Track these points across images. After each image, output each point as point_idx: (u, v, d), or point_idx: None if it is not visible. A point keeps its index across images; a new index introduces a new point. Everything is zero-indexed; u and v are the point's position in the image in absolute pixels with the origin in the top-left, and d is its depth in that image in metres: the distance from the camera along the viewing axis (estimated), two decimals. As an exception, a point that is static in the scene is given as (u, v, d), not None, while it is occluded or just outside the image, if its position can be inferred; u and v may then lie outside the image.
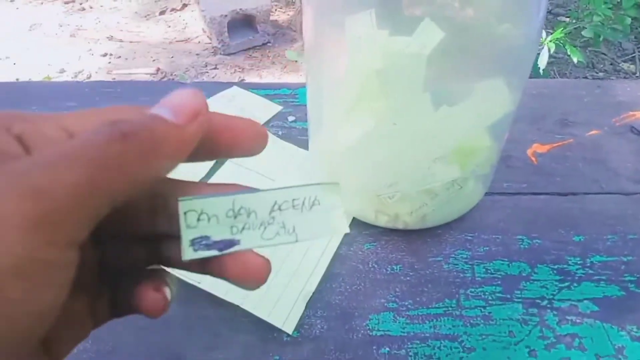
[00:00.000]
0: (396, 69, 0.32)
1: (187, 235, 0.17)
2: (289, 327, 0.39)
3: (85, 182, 0.13)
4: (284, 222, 0.18)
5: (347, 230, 0.19)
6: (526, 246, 0.44)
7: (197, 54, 2.04)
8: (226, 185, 0.19)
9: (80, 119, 0.16)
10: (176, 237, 0.18)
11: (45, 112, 0.17)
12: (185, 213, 0.17)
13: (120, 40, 2.15)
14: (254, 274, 0.18)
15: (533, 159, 0.52)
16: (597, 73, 1.69)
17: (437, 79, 0.33)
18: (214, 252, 0.17)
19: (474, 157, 0.37)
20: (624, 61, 1.74)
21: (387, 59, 0.32)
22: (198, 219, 0.17)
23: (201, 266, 0.18)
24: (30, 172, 0.13)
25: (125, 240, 0.20)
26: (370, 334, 0.39)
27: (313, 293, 0.41)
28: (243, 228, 0.18)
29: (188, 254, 0.17)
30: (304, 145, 0.52)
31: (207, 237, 0.17)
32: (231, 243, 0.17)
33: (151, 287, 0.18)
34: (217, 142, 0.18)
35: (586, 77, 1.68)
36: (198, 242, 0.17)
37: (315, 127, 0.43)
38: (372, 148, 0.37)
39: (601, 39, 1.46)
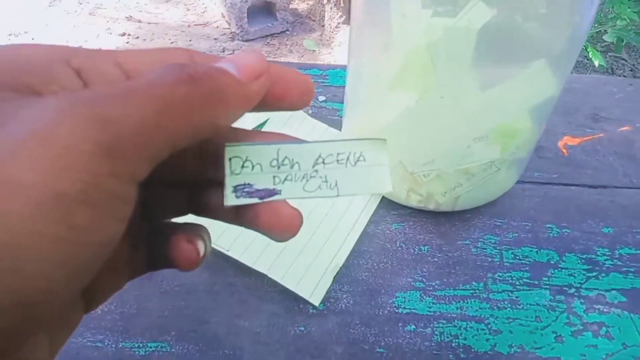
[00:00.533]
0: (446, 42, 0.32)
1: (230, 182, 0.17)
2: (315, 299, 0.39)
3: (152, 119, 0.13)
4: (326, 175, 0.18)
5: (391, 188, 0.18)
6: (555, 235, 0.44)
7: (215, 39, 2.04)
8: (274, 134, 0.19)
9: (136, 57, 0.16)
10: (217, 184, 0.18)
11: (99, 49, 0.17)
12: (230, 159, 0.17)
13: (139, 21, 2.15)
14: (286, 225, 0.18)
15: (564, 150, 0.52)
16: (616, 77, 1.67)
17: (485, 58, 0.33)
18: (254, 200, 0.17)
19: (514, 139, 0.37)
20: (645, 68, 1.73)
21: (435, 33, 0.32)
22: (242, 166, 0.17)
23: (235, 215, 0.18)
24: (99, 102, 0.12)
25: (167, 185, 0.20)
26: (397, 311, 0.39)
27: (340, 267, 0.41)
28: (285, 179, 0.18)
29: (230, 200, 0.17)
30: (335, 124, 0.52)
31: (249, 185, 0.17)
32: (272, 192, 0.17)
33: (185, 239, 0.18)
34: (269, 92, 0.17)
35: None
36: (241, 189, 0.17)
37: (352, 106, 0.43)
38: (412, 125, 0.37)
39: (624, 43, 1.44)
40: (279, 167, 0.17)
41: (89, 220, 0.12)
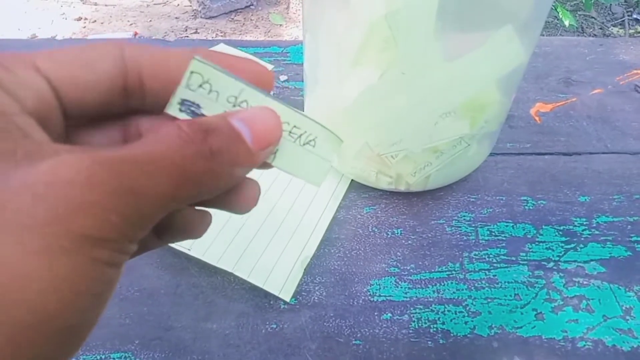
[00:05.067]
0: (406, 12, 0.29)
1: (181, 93, 0.16)
2: (286, 295, 0.37)
3: (170, 193, 0.14)
4: None
5: (319, 185, 0.18)
6: (531, 207, 0.43)
7: (177, 17, 1.96)
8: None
9: (59, 60, 0.15)
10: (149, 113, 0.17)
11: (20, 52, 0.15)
12: (192, 72, 0.16)
13: (95, 4, 2.04)
14: (250, 200, 0.18)
15: (536, 118, 0.50)
16: (586, 37, 1.67)
17: (448, 26, 0.30)
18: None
19: (483, 113, 0.35)
20: (613, 25, 1.72)
21: (395, 2, 0.29)
22: (200, 85, 0.16)
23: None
24: (125, 170, 0.13)
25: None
26: (372, 299, 0.37)
27: (311, 258, 0.39)
28: None
29: (173, 109, 0.16)
30: (298, 105, 0.49)
31: (197, 106, 0.16)
32: None
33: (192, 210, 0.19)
34: None
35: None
36: (188, 106, 0.16)
37: (312, 85, 0.40)
38: (376, 103, 0.35)
39: (592, 1, 1.43)
40: (234, 106, 0.16)
41: (113, 275, 0.13)
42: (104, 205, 0.12)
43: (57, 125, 0.15)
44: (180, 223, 0.18)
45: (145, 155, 0.13)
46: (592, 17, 1.76)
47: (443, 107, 0.33)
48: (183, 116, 0.16)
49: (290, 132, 0.17)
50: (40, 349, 0.12)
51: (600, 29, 1.72)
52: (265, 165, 0.17)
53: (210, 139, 0.14)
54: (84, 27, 1.92)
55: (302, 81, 0.53)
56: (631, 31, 1.71)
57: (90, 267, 0.12)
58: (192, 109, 0.16)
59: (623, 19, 1.76)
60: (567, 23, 1.32)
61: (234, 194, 0.17)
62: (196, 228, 0.18)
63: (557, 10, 1.32)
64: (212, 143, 0.14)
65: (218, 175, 0.15)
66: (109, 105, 0.16)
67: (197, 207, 0.18)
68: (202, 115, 0.16)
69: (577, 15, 1.71)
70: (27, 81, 0.14)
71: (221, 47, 0.57)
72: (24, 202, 0.11)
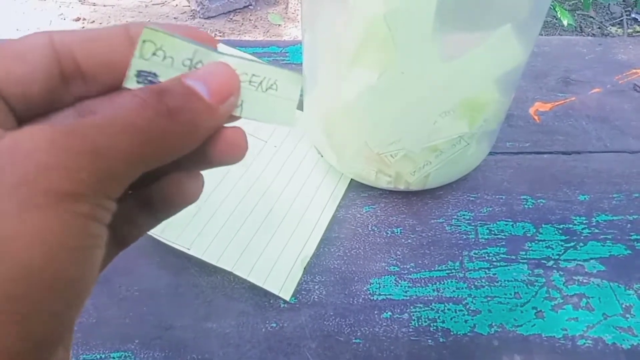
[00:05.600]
0: (404, 12, 0.29)
1: (136, 65, 0.16)
2: (286, 294, 0.37)
3: (137, 151, 0.14)
4: None
5: (293, 123, 0.18)
6: (530, 206, 0.43)
7: (175, 18, 1.95)
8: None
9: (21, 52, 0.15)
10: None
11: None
12: (144, 41, 0.16)
13: (94, 4, 2.04)
14: (235, 147, 0.17)
15: (536, 117, 0.50)
16: (585, 37, 1.67)
17: (447, 26, 0.30)
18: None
19: (482, 112, 0.35)
20: (612, 25, 1.73)
21: (393, 2, 0.29)
22: (154, 53, 0.16)
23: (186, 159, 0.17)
24: (89, 133, 0.13)
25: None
26: (372, 298, 0.37)
27: (311, 257, 0.39)
28: None
29: (131, 82, 0.16)
30: (298, 105, 0.49)
31: (154, 75, 0.16)
32: None
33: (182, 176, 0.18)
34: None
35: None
36: (144, 76, 0.16)
37: (311, 85, 0.40)
38: (375, 103, 0.35)
39: (591, 1, 1.43)
40: (190, 68, 0.17)
41: (98, 229, 0.14)
42: (71, 165, 0.13)
43: (7, 121, 0.15)
44: (173, 191, 0.18)
45: (105, 120, 0.14)
46: (591, 17, 1.76)
47: (442, 107, 0.33)
48: (139, 87, 0.16)
49: (250, 81, 0.17)
50: (38, 302, 0.12)
51: (599, 28, 1.73)
52: (233, 118, 0.17)
53: (165, 99, 0.15)
54: (83, 27, 1.92)
55: (302, 81, 0.53)
56: (630, 30, 1.72)
57: (73, 220, 0.13)
58: (150, 78, 0.16)
59: (622, 18, 1.76)
60: (565, 23, 1.32)
61: (212, 146, 0.17)
62: (189, 192, 0.18)
63: (556, 9, 1.32)
64: (167, 102, 0.15)
65: (182, 133, 0.15)
66: (53, 94, 0.16)
67: (186, 171, 0.18)
68: (160, 83, 0.16)
69: (575, 14, 1.72)
70: None
71: (220, 48, 0.57)
72: None
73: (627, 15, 1.76)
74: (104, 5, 2.04)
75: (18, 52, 0.16)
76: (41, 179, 0.12)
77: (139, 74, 0.16)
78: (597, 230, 0.41)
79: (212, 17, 1.94)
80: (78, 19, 1.96)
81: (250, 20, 1.94)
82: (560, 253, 0.40)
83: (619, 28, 1.71)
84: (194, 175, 0.18)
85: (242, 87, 0.17)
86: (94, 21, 1.95)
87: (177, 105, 0.15)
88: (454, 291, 0.37)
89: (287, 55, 0.57)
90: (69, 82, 0.17)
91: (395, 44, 0.31)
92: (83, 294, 0.14)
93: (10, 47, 0.16)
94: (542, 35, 1.68)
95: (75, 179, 0.13)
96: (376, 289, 0.38)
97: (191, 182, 0.18)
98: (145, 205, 0.18)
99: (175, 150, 0.15)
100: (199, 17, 1.93)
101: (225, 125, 0.17)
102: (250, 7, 1.99)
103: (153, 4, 2.04)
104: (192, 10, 1.97)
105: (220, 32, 1.88)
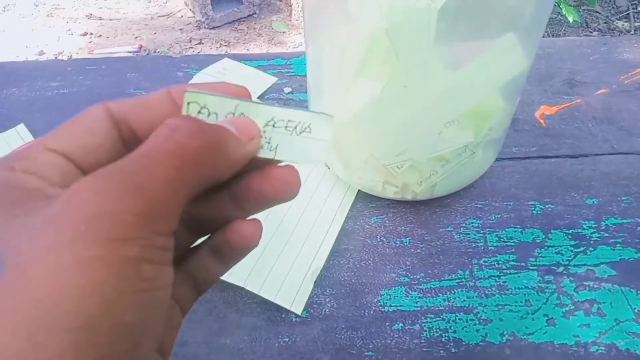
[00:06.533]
0: (406, 25, 0.29)
1: None
2: (297, 308, 0.37)
3: (175, 177, 0.15)
4: (271, 138, 0.19)
5: (325, 162, 0.20)
6: (539, 211, 0.43)
7: (181, 29, 1.97)
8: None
9: (60, 134, 0.17)
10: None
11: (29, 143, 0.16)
12: (188, 103, 0.18)
13: (100, 18, 2.07)
14: (287, 184, 0.19)
15: (542, 121, 0.50)
16: (591, 32, 1.65)
17: (449, 36, 0.31)
18: None
19: (487, 120, 0.35)
20: (618, 19, 1.71)
21: (394, 15, 0.30)
22: (199, 112, 0.18)
23: (237, 201, 0.19)
24: (127, 172, 0.14)
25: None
26: (383, 310, 0.37)
27: (321, 270, 0.39)
28: None
29: None
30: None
31: None
32: None
33: (240, 222, 0.19)
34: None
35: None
36: None
37: (316, 97, 0.41)
38: (380, 115, 0.35)
39: (596, -4, 1.42)
40: None
41: (152, 271, 0.14)
42: (116, 210, 0.13)
43: None
44: (234, 237, 0.19)
45: (139, 155, 0.15)
46: (597, 12, 1.74)
47: (446, 116, 0.34)
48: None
49: (286, 127, 0.19)
50: (104, 347, 0.13)
51: (605, 23, 1.71)
52: (274, 161, 0.19)
53: (197, 121, 0.16)
54: (90, 42, 1.94)
55: (306, 92, 0.53)
56: (637, 24, 1.70)
57: (123, 265, 0.13)
58: None
59: (628, 12, 1.74)
60: (571, 19, 1.32)
61: (267, 184, 0.18)
62: (248, 237, 0.19)
63: (561, 6, 1.32)
64: (199, 123, 0.16)
65: (214, 153, 0.16)
66: (117, 157, 0.18)
67: (248, 218, 0.19)
68: None
69: (580, 10, 1.70)
70: (46, 162, 0.16)
71: (225, 62, 0.57)
72: (51, 233, 0.13)
73: (633, 8, 1.75)
74: (110, 19, 2.07)
75: (86, 126, 0.17)
76: (90, 230, 0.13)
77: None
78: (606, 234, 0.41)
79: (216, 27, 1.96)
80: (85, 34, 1.99)
81: (254, 28, 1.95)
82: (570, 258, 0.40)
83: (626, 22, 1.70)
84: (252, 221, 0.19)
85: (278, 133, 0.19)
86: (100, 35, 1.98)
87: (208, 127, 0.16)
88: (464, 300, 0.38)
89: (292, 67, 0.58)
90: (128, 145, 0.18)
91: (398, 56, 0.31)
92: (150, 333, 0.15)
93: (77, 123, 0.17)
94: (547, 33, 1.68)
95: (121, 223, 0.13)
96: (387, 300, 0.38)
97: (249, 227, 0.19)
98: (215, 253, 0.19)
99: (211, 171, 0.16)
100: (204, 28, 1.95)
101: (279, 164, 0.19)
102: (254, 15, 2.00)
103: (159, 16, 2.06)
104: (197, 21, 1.99)
105: (225, 42, 1.90)
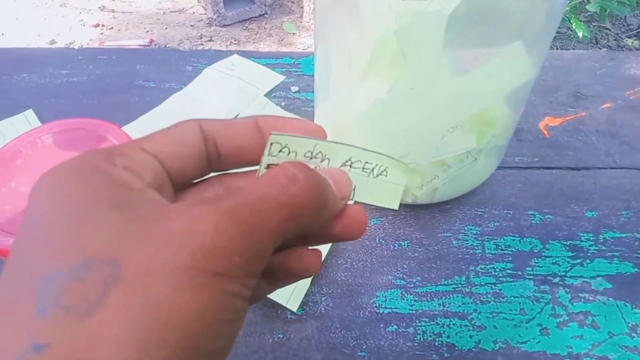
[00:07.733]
0: (415, 28, 0.30)
1: (266, 160, 0.19)
2: (293, 305, 0.37)
3: (279, 226, 0.16)
4: None
5: (397, 207, 0.21)
6: (538, 221, 0.43)
7: (192, 25, 1.99)
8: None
9: (156, 139, 0.18)
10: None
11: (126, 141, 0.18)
12: (271, 144, 0.19)
13: (113, 11, 2.09)
14: (358, 223, 0.20)
15: (545, 132, 0.50)
16: (600, 49, 1.66)
17: (457, 42, 0.31)
18: None
19: (490, 127, 0.35)
20: (628, 37, 1.71)
21: (404, 18, 0.30)
22: (280, 150, 0.19)
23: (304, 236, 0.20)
24: (242, 212, 0.15)
25: None
26: (378, 311, 0.38)
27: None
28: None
29: (261, 174, 0.19)
30: (309, 116, 0.50)
31: None
32: None
33: (303, 252, 0.21)
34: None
35: (589, 53, 1.65)
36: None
37: (323, 97, 0.41)
38: (384, 116, 0.35)
39: (607, 12, 1.42)
40: (311, 159, 0.19)
41: (241, 305, 0.16)
42: (228, 249, 0.15)
43: (168, 191, 0.19)
44: (296, 264, 0.20)
45: (257, 199, 0.16)
46: (607, 29, 1.74)
47: (450, 121, 0.34)
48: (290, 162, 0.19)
49: (363, 168, 0.20)
50: None
51: (615, 40, 1.71)
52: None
53: (312, 175, 0.17)
54: (102, 33, 1.96)
55: (313, 92, 0.53)
56: (646, 42, 1.70)
57: (224, 298, 0.15)
58: None
59: (638, 30, 1.74)
60: (580, 34, 1.32)
61: (337, 222, 0.19)
62: (309, 265, 0.20)
63: (571, 21, 1.32)
64: (313, 178, 0.17)
65: (316, 209, 0.17)
66: (200, 170, 0.20)
67: (309, 247, 0.20)
68: None
69: (591, 26, 1.71)
70: (142, 161, 0.18)
71: (234, 59, 0.58)
72: (170, 252, 0.14)
73: (644, 26, 1.75)
74: (123, 12, 2.08)
75: (180, 136, 0.19)
76: (204, 261, 0.14)
77: (268, 167, 0.19)
78: (604, 248, 0.41)
79: (227, 25, 1.97)
80: (97, 25, 2.01)
81: (265, 28, 1.96)
82: (567, 270, 0.40)
83: (636, 40, 1.70)
84: (315, 251, 0.20)
85: (356, 173, 0.20)
86: (112, 27, 1.99)
87: (319, 183, 0.17)
88: (459, 306, 0.38)
89: (300, 67, 0.58)
90: (211, 160, 0.20)
91: (405, 59, 0.31)
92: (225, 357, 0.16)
93: (174, 132, 0.19)
94: (556, 47, 1.68)
95: (230, 262, 0.15)
96: (382, 302, 0.38)
97: (312, 256, 0.20)
98: (268, 274, 0.20)
99: (307, 225, 0.17)
100: (215, 25, 1.96)
101: (348, 202, 0.20)
102: (265, 15, 2.01)
103: (170, 12, 2.07)
104: (208, 18, 2.00)
105: (235, 40, 1.91)
